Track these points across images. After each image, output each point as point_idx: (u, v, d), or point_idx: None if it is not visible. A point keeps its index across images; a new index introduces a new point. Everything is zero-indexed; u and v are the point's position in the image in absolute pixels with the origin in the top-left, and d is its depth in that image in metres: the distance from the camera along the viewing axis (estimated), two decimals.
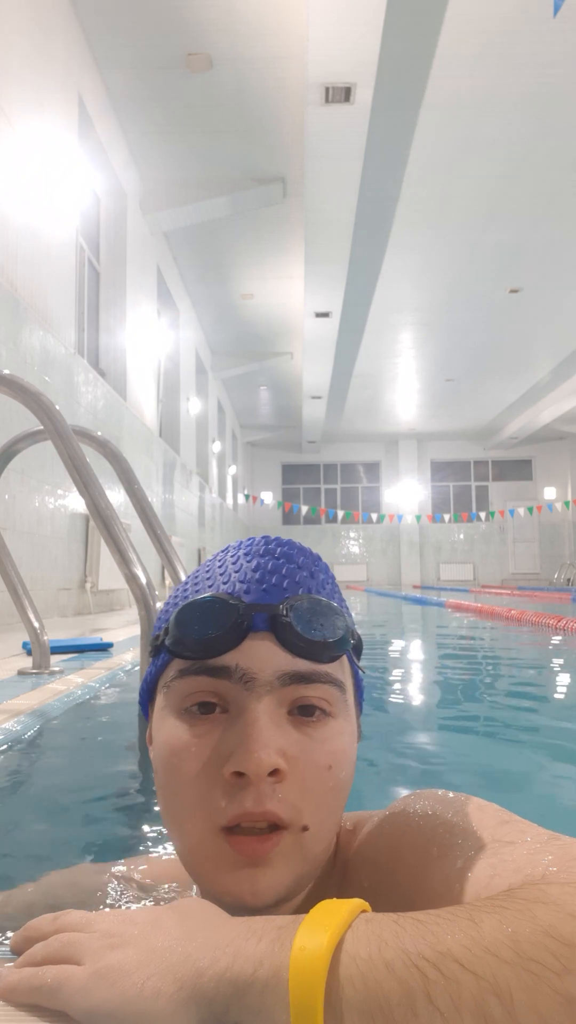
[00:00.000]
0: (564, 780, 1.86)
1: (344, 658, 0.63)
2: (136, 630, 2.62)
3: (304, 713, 0.59)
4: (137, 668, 2.42)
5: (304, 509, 20.61)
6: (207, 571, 0.67)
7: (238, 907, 0.55)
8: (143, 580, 2.17)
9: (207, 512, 14.79)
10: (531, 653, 5.08)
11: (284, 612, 0.60)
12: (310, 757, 0.58)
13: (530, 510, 20.11)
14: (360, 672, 0.69)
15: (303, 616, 0.60)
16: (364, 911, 0.47)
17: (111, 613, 7.05)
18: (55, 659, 3.21)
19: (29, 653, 3.13)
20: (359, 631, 0.69)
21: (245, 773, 0.55)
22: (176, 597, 0.68)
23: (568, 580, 20.27)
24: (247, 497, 22.18)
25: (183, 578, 2.93)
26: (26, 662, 3.02)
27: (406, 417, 20.92)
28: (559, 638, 5.54)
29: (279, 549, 0.66)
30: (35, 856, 1.25)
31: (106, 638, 4.02)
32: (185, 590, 0.67)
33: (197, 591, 0.65)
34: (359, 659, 0.68)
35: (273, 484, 24.22)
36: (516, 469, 23.91)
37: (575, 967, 0.39)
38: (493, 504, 23.54)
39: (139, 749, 2.03)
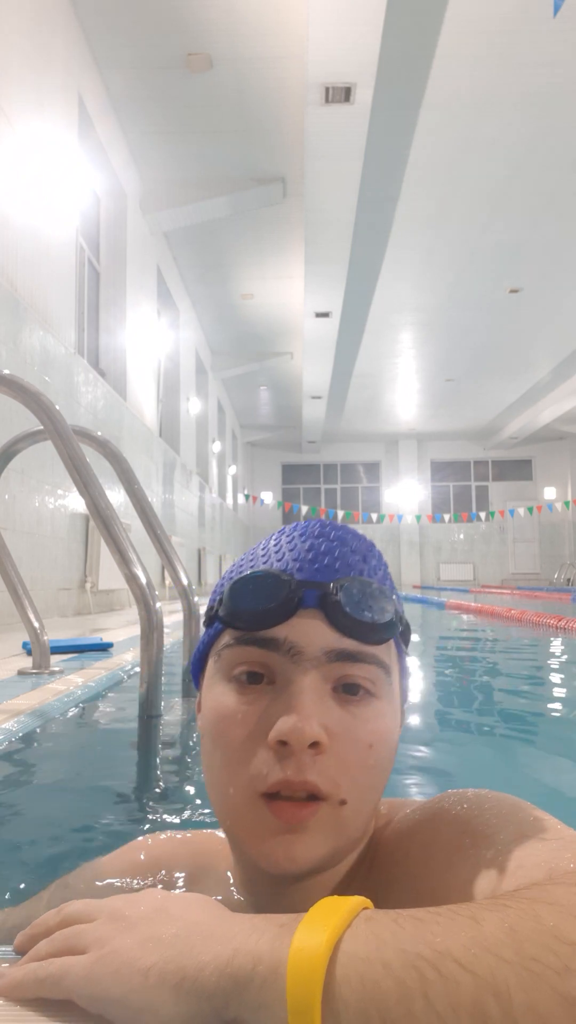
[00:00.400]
0: (564, 780, 1.86)
1: (391, 643, 0.65)
2: (136, 630, 2.61)
3: (348, 691, 0.61)
4: (137, 668, 2.42)
5: (304, 509, 20.60)
6: (263, 549, 0.69)
7: (275, 872, 0.58)
8: (143, 580, 2.17)
9: (207, 512, 14.79)
10: (531, 653, 5.08)
11: (334, 591, 0.62)
12: (351, 734, 0.59)
13: (530, 510, 20.10)
14: (407, 659, 0.70)
15: (352, 596, 0.61)
16: (366, 908, 0.47)
17: (111, 613, 7.05)
18: (55, 659, 3.21)
19: (29, 653, 3.13)
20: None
21: (288, 742, 0.57)
22: (232, 571, 0.70)
23: (568, 580, 20.27)
24: (247, 497, 22.18)
25: (183, 578, 2.93)
26: (26, 662, 3.02)
27: (406, 417, 20.91)
28: (559, 638, 5.54)
29: (333, 532, 0.68)
30: (35, 856, 1.25)
31: (106, 638, 4.02)
32: (241, 565, 0.70)
33: (252, 566, 0.68)
34: (407, 646, 0.70)
35: (273, 484, 24.22)
36: (516, 469, 23.91)
37: None
38: (493, 504, 23.54)
39: (139, 749, 2.03)
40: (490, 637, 6.22)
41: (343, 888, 0.64)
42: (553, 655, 4.88)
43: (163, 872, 0.78)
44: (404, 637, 0.68)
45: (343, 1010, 0.40)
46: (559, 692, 3.52)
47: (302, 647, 0.60)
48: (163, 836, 0.84)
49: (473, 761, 2.07)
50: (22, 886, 1.05)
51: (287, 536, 0.69)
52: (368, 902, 0.48)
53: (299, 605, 0.61)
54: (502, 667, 4.41)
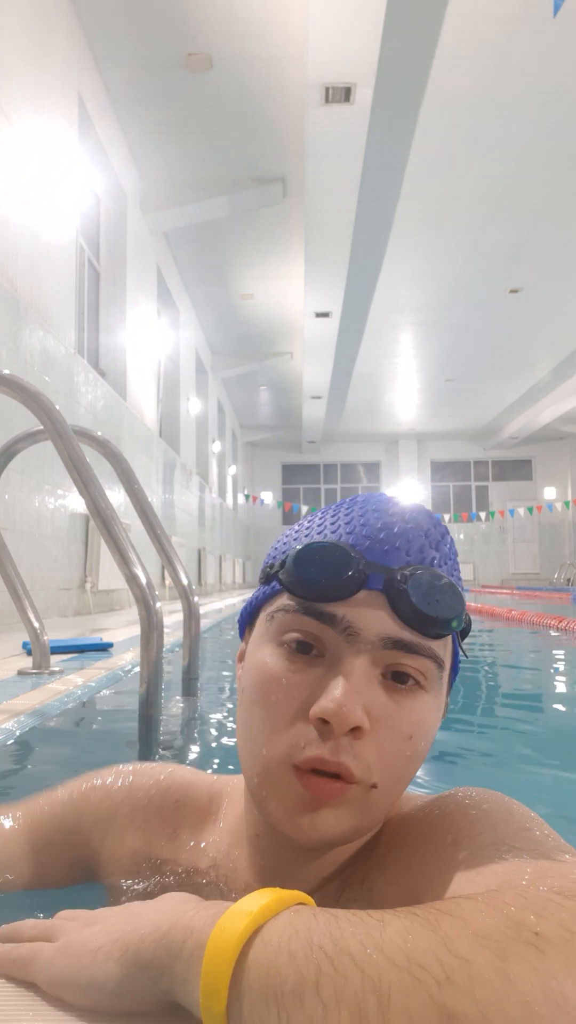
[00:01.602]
0: (564, 780, 1.86)
1: (449, 637, 0.64)
2: (136, 630, 2.62)
3: (398, 679, 0.60)
4: (137, 668, 2.41)
5: (304, 509, 20.59)
6: (333, 516, 0.67)
7: (297, 839, 0.59)
8: (143, 580, 2.17)
9: (207, 512, 14.79)
10: (531, 653, 5.08)
11: (402, 579, 0.60)
12: (393, 723, 0.59)
13: (530, 510, 20.10)
14: (461, 654, 0.69)
15: (420, 588, 0.60)
16: (301, 903, 0.49)
17: (111, 613, 7.05)
18: (55, 659, 3.21)
19: (29, 653, 3.13)
20: None
21: (329, 722, 0.56)
22: (298, 532, 0.69)
23: (568, 580, 20.27)
24: (247, 497, 22.18)
25: (183, 578, 2.93)
26: (26, 662, 3.02)
27: (406, 417, 20.91)
28: (559, 638, 5.54)
29: (410, 514, 0.65)
30: None
31: (106, 638, 4.02)
32: (309, 529, 0.68)
33: (321, 533, 0.65)
34: (463, 640, 0.68)
35: (273, 484, 24.22)
36: (516, 469, 23.91)
37: (457, 979, 0.39)
38: (493, 504, 23.54)
39: (139, 749, 2.03)
40: (490, 637, 6.22)
41: (340, 869, 0.66)
42: (553, 655, 4.88)
43: (176, 801, 0.78)
44: (464, 633, 0.67)
45: (246, 993, 0.43)
46: (559, 692, 3.52)
47: (359, 628, 0.59)
48: (185, 770, 0.84)
49: (472, 762, 2.07)
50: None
51: (360, 508, 0.66)
52: (306, 897, 0.50)
53: (363, 585, 0.60)
54: (502, 668, 4.41)
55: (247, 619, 0.70)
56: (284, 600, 0.63)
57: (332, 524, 0.66)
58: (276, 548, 0.70)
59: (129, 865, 0.77)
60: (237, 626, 0.73)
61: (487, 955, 0.40)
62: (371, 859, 0.66)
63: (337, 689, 0.56)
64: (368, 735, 0.57)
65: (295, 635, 0.61)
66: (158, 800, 0.78)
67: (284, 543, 0.69)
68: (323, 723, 0.57)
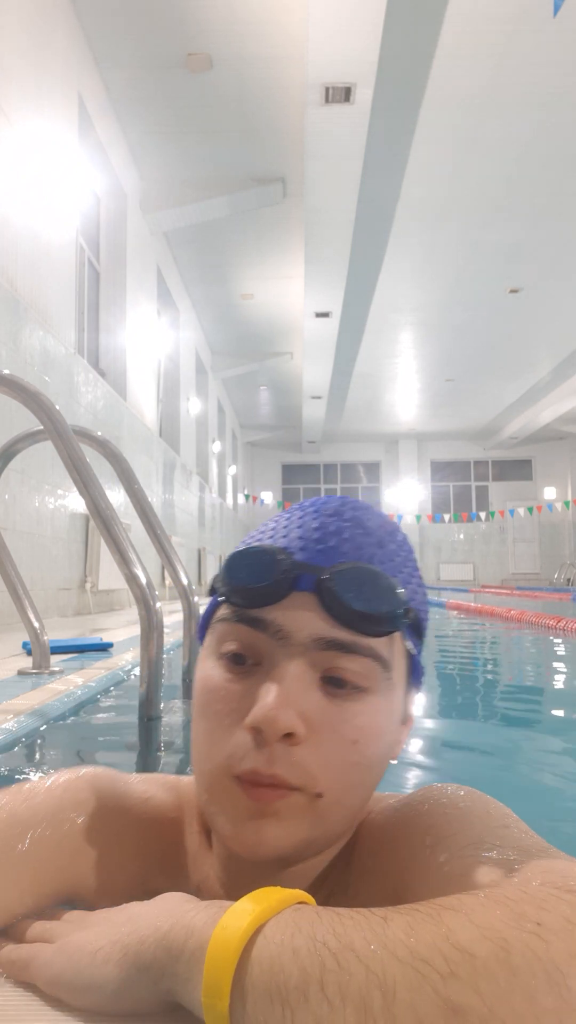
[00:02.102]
0: (564, 780, 1.86)
1: (397, 636, 0.61)
2: (136, 630, 2.61)
3: (338, 683, 0.57)
4: (137, 668, 2.41)
5: None
6: (274, 521, 0.66)
7: (244, 855, 0.56)
8: (143, 580, 2.17)
9: (207, 512, 14.79)
10: (531, 653, 5.08)
11: (331, 577, 0.58)
12: (335, 728, 0.56)
13: (530, 510, 20.10)
14: (417, 653, 0.65)
15: (349, 584, 0.57)
16: (302, 901, 0.48)
17: (111, 613, 7.05)
18: (55, 659, 3.21)
19: (29, 653, 3.13)
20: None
21: (261, 730, 0.54)
22: (243, 541, 0.68)
23: (568, 580, 20.27)
24: (247, 497, 22.18)
25: (183, 578, 2.93)
26: (26, 662, 3.02)
27: (406, 417, 20.91)
28: (559, 638, 5.54)
29: (352, 512, 0.64)
30: None
31: (106, 638, 4.02)
32: (250, 537, 0.67)
33: (260, 539, 0.64)
34: (421, 639, 0.65)
35: (273, 484, 24.22)
36: (516, 469, 23.90)
37: (462, 973, 0.39)
38: (493, 504, 23.54)
39: (139, 749, 2.03)
40: (490, 637, 6.22)
41: (322, 879, 0.64)
42: (553, 655, 4.88)
43: (149, 811, 0.70)
44: (416, 630, 0.64)
45: (249, 991, 0.42)
46: (558, 692, 3.52)
47: (289, 631, 0.57)
48: (170, 779, 0.76)
49: (471, 762, 2.08)
50: None
51: (302, 511, 0.65)
52: (307, 896, 0.49)
53: (294, 587, 0.58)
54: (502, 668, 4.41)
55: (200, 634, 0.68)
56: (223, 610, 0.61)
57: (272, 529, 0.65)
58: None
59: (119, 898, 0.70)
60: None
61: (490, 947, 0.40)
62: (350, 870, 0.64)
63: (268, 696, 0.54)
64: (308, 741, 0.55)
65: (232, 645, 0.59)
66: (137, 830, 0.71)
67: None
68: (258, 732, 0.55)
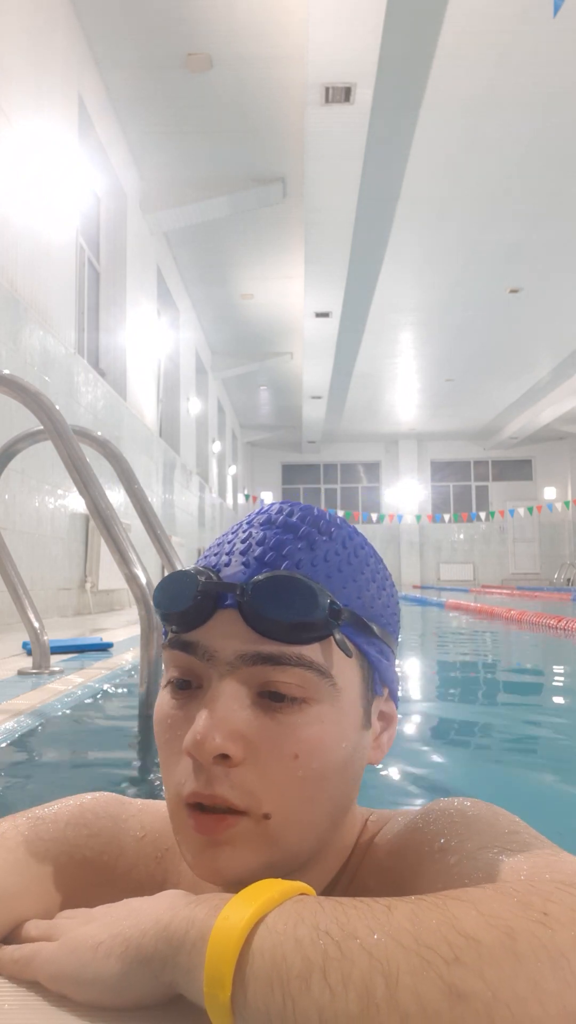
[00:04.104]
0: (563, 781, 1.86)
1: (333, 640, 0.57)
2: (136, 630, 2.62)
3: (276, 698, 0.55)
4: (137, 668, 2.41)
5: None
6: (221, 537, 0.65)
7: (205, 880, 0.56)
8: (143, 580, 2.17)
9: (207, 512, 14.79)
10: (531, 653, 5.07)
11: (246, 590, 0.56)
12: (274, 744, 0.54)
13: (530, 510, 20.10)
14: (377, 651, 0.61)
15: (266, 595, 0.55)
16: (304, 893, 0.49)
17: (111, 613, 7.05)
18: (55, 659, 3.21)
19: (29, 653, 3.13)
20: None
21: (192, 755, 0.53)
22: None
23: (568, 580, 20.27)
24: (247, 497, 22.17)
25: None
26: (26, 662, 3.02)
27: (406, 417, 20.91)
28: (559, 638, 5.54)
29: (282, 519, 0.61)
30: None
31: (106, 638, 4.02)
32: (202, 556, 0.65)
33: (204, 557, 0.64)
34: (386, 637, 0.62)
35: (273, 484, 24.22)
36: (516, 469, 23.90)
37: (466, 958, 0.40)
38: (493, 504, 23.53)
39: (139, 749, 2.03)
40: (490, 637, 6.22)
41: (326, 895, 0.63)
42: (553, 655, 4.88)
43: (154, 838, 0.71)
44: (362, 630, 0.60)
45: (251, 980, 0.43)
46: (558, 692, 3.52)
47: (215, 651, 0.56)
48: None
49: (471, 762, 2.07)
50: None
51: (244, 522, 0.63)
52: (308, 888, 0.50)
53: (216, 606, 0.57)
54: (502, 668, 4.41)
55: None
56: (167, 637, 0.61)
57: (219, 545, 0.63)
58: None
59: None
60: None
61: (495, 934, 0.40)
62: (352, 890, 0.63)
63: (199, 720, 0.53)
64: (247, 761, 0.54)
65: (174, 671, 0.59)
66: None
67: None
68: (193, 757, 0.54)
